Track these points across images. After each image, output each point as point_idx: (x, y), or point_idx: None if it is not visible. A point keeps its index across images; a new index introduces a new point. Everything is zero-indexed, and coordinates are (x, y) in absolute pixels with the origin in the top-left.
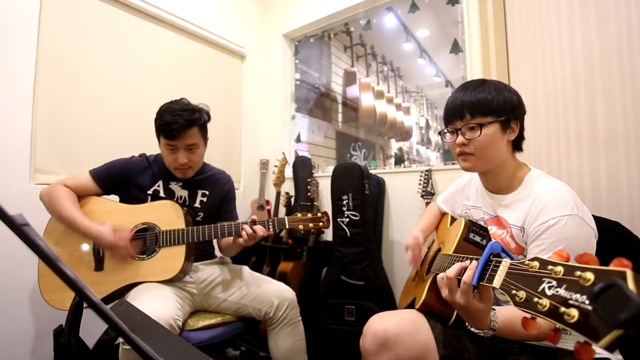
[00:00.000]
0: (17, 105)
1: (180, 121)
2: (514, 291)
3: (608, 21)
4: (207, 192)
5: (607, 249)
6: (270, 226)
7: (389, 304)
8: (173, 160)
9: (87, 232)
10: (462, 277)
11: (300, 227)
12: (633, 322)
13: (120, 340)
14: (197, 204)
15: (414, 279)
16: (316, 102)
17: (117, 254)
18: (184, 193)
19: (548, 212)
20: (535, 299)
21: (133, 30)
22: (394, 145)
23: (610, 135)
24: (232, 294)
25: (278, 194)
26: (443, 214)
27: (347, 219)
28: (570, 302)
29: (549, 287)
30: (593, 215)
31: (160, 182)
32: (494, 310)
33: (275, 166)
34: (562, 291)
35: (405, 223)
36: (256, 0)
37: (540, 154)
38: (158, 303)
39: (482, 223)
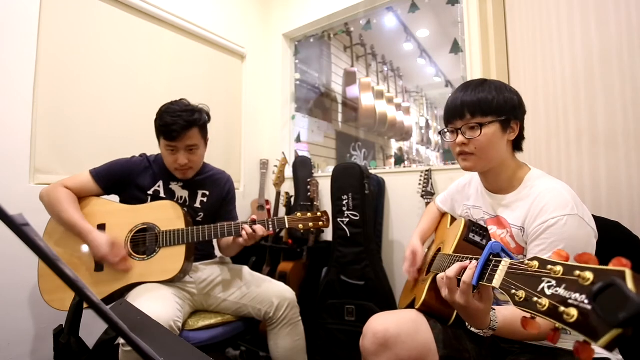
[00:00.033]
0: (17, 105)
1: (180, 122)
2: (513, 291)
3: (608, 21)
4: (208, 193)
5: (607, 249)
6: (270, 226)
7: (389, 304)
8: (173, 161)
9: (86, 237)
10: (462, 277)
11: (300, 226)
12: (632, 321)
13: (121, 341)
14: (197, 204)
15: (414, 279)
16: (316, 102)
17: (110, 265)
18: (185, 193)
19: (548, 212)
20: (535, 299)
21: (133, 30)
22: (394, 145)
23: (610, 135)
24: (232, 294)
25: (278, 194)
26: (443, 214)
27: (347, 219)
28: (570, 301)
29: (549, 287)
30: (593, 215)
31: (160, 183)
32: (494, 310)
33: (275, 166)
34: (561, 291)
35: (405, 223)
36: (256, 0)
37: (540, 154)
38: (158, 304)
39: (482, 223)
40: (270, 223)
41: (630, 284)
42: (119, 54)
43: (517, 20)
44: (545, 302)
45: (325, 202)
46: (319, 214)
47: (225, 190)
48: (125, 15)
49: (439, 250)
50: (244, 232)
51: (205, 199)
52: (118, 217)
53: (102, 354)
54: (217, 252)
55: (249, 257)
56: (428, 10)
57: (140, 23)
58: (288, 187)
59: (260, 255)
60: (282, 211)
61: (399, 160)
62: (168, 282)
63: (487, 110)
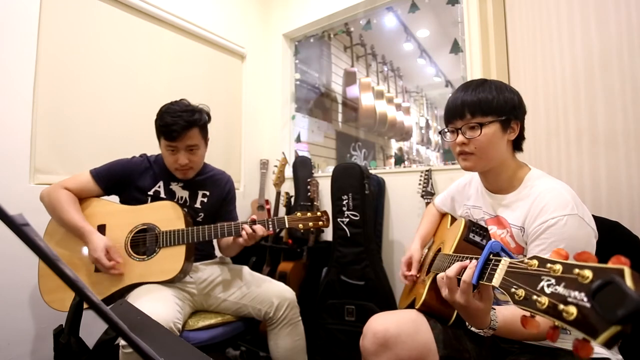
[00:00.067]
0: (17, 105)
1: (181, 122)
2: (513, 289)
3: (608, 21)
4: (208, 193)
5: (607, 249)
6: (270, 225)
7: (389, 304)
8: (174, 161)
9: (85, 238)
10: (462, 276)
11: (300, 226)
12: (631, 318)
13: (121, 342)
14: (197, 205)
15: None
16: (316, 102)
17: (101, 268)
18: (185, 194)
19: (548, 211)
20: (534, 297)
21: (133, 30)
22: (394, 145)
23: (610, 135)
24: (232, 294)
25: (278, 194)
26: (443, 215)
27: (347, 219)
28: (569, 299)
29: (548, 285)
30: (593, 215)
31: (161, 183)
32: (494, 309)
33: (275, 166)
34: (560, 289)
35: (405, 223)
36: (256, 0)
37: (540, 154)
38: (158, 305)
39: (482, 223)
40: (270, 223)
41: (629, 281)
42: (119, 54)
43: (517, 20)
44: (544, 300)
45: (325, 202)
46: (318, 213)
47: (225, 190)
48: (125, 15)
49: (439, 250)
50: (243, 232)
51: (205, 199)
52: (118, 218)
53: (102, 354)
54: (217, 252)
55: (249, 257)
56: (428, 10)
57: (140, 23)
58: (288, 187)
59: (260, 255)
60: (282, 211)
61: (399, 160)
62: (168, 283)
63: (488, 110)
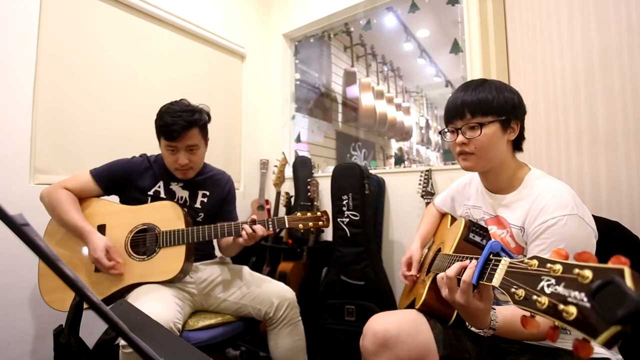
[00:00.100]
0: (17, 105)
1: (181, 122)
2: (513, 289)
3: (608, 21)
4: (208, 193)
5: (607, 249)
6: (270, 225)
7: (389, 304)
8: (174, 161)
9: (85, 238)
10: (462, 276)
11: (300, 226)
12: (631, 318)
13: (121, 342)
14: (197, 205)
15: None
16: (316, 102)
17: (101, 268)
18: (185, 194)
19: (548, 211)
20: (534, 297)
21: (133, 30)
22: (394, 145)
23: (610, 135)
24: (232, 294)
25: (278, 194)
26: (443, 215)
27: (347, 219)
28: (569, 299)
29: (548, 285)
30: (593, 215)
31: (161, 183)
32: (494, 309)
33: (275, 166)
34: (560, 289)
35: (405, 223)
36: (256, 0)
37: (540, 154)
38: (158, 305)
39: (482, 223)
40: (270, 223)
41: (629, 281)
42: (119, 54)
43: (517, 20)
44: (544, 300)
45: (325, 202)
46: (318, 213)
47: (225, 190)
48: (125, 15)
49: (439, 250)
50: (243, 232)
51: (205, 199)
52: (118, 218)
53: (102, 354)
54: (217, 252)
55: (249, 257)
56: (428, 10)
57: (140, 23)
58: (288, 187)
59: (260, 255)
60: (282, 211)
61: (399, 160)
62: (168, 283)
63: (487, 110)
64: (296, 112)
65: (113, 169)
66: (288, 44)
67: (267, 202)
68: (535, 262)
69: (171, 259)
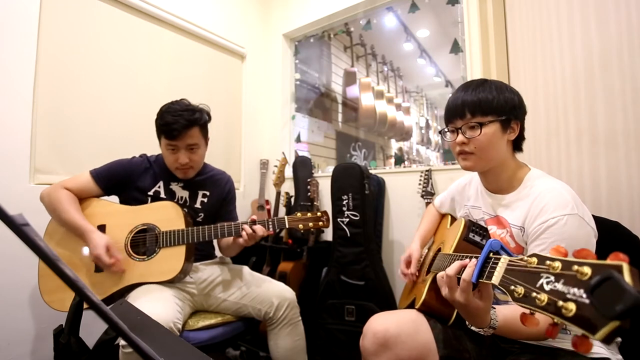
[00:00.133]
0: (17, 105)
1: (181, 121)
2: (512, 287)
3: (608, 21)
4: (208, 193)
5: (607, 249)
6: (270, 226)
7: (389, 304)
8: (174, 161)
9: (86, 237)
10: (461, 275)
11: (300, 226)
12: (629, 313)
13: (121, 342)
14: (197, 205)
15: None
16: (316, 102)
17: (103, 265)
18: (185, 194)
19: (548, 211)
20: (534, 294)
21: (133, 30)
22: (394, 145)
23: (610, 135)
24: (232, 294)
25: (278, 194)
26: (443, 215)
27: (347, 219)
28: (568, 296)
29: (547, 282)
30: (593, 215)
31: (161, 183)
32: (494, 308)
33: (275, 166)
34: (559, 286)
35: (405, 223)
36: (256, 0)
37: (540, 154)
38: (158, 305)
39: (482, 223)
40: (270, 223)
41: (627, 277)
42: (119, 54)
43: (517, 20)
44: (544, 297)
45: (325, 202)
46: (319, 214)
47: (225, 190)
48: (125, 15)
49: (439, 250)
50: (244, 233)
51: (205, 199)
52: (118, 218)
53: (102, 354)
54: (217, 252)
55: (249, 257)
56: (428, 10)
57: (140, 23)
58: (288, 187)
59: (260, 255)
60: (282, 211)
61: (399, 160)
62: (168, 283)
63: (488, 109)
64: (296, 112)
65: (113, 169)
66: (288, 44)
67: (267, 202)
68: (535, 259)
69: (171, 259)
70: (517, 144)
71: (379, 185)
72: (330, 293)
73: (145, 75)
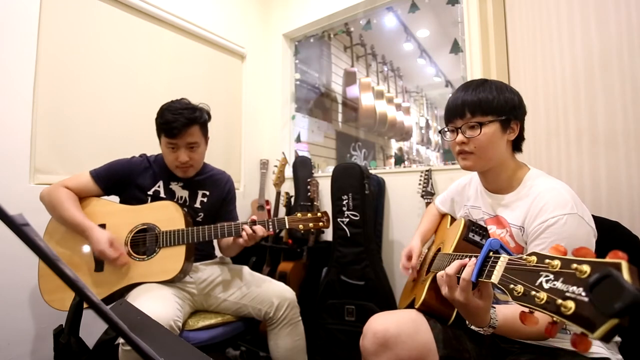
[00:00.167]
0: (17, 105)
1: (181, 119)
2: (512, 286)
3: (608, 21)
4: (208, 193)
5: (606, 248)
6: (270, 226)
7: (389, 304)
8: (174, 159)
9: (87, 234)
10: (461, 274)
11: (300, 227)
12: (628, 310)
13: (121, 340)
14: (197, 205)
15: (414, 279)
16: (316, 102)
17: (107, 260)
18: (185, 193)
19: (547, 211)
20: (533, 293)
21: (133, 30)
22: (394, 145)
23: (610, 135)
24: (232, 294)
25: (278, 194)
26: (443, 215)
27: (347, 219)
28: (567, 294)
29: (547, 281)
30: (593, 215)
31: (160, 183)
32: (494, 308)
33: (275, 166)
34: (559, 284)
35: (405, 223)
36: (256, 0)
37: (540, 154)
38: (158, 304)
39: (481, 223)
40: (270, 223)
41: (626, 274)
42: (119, 54)
43: (517, 20)
44: (543, 295)
45: (325, 202)
46: (319, 214)
47: (225, 190)
48: (125, 15)
49: (439, 250)
50: (244, 233)
51: (205, 199)
52: (118, 218)
53: (102, 354)
54: (217, 252)
55: (249, 257)
56: (428, 10)
57: (140, 23)
58: (288, 187)
59: (260, 255)
60: (282, 211)
61: (399, 160)
62: (168, 282)
63: (488, 109)
64: (296, 112)
65: (113, 169)
66: (288, 44)
67: (267, 202)
68: (534, 258)
69: (171, 259)
70: (516, 145)
71: (379, 185)
72: (330, 293)
73: (145, 75)
